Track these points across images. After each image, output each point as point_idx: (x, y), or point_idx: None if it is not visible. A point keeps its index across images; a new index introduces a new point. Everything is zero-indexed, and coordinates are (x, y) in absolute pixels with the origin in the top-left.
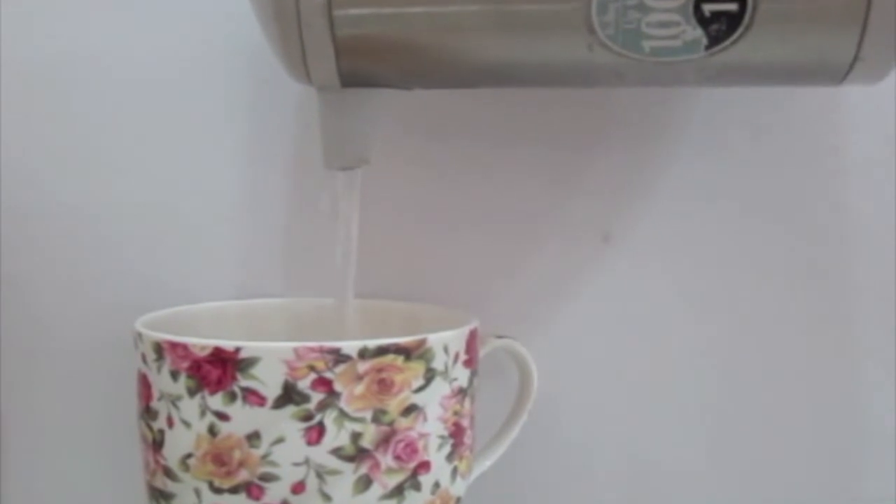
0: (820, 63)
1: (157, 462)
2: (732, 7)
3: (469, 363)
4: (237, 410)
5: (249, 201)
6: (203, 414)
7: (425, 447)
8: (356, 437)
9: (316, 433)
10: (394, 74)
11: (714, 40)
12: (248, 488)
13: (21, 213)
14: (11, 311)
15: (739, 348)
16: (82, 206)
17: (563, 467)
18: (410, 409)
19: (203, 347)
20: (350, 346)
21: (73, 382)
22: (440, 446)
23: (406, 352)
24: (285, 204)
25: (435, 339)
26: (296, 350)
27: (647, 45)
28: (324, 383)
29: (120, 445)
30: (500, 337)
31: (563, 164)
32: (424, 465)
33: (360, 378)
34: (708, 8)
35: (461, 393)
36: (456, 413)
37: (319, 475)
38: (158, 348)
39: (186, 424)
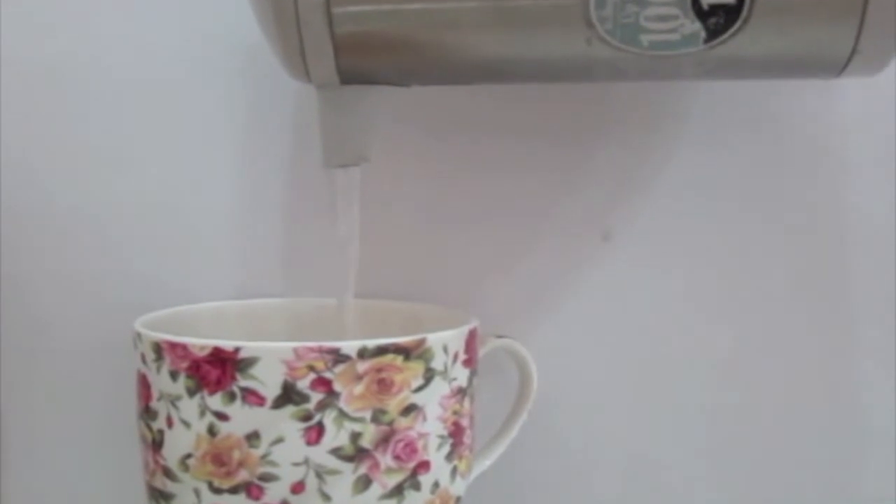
0: (818, 55)
1: (156, 462)
2: (730, 0)
3: (468, 363)
4: (236, 410)
5: (249, 201)
6: (202, 414)
7: (425, 447)
8: (356, 436)
9: (315, 433)
10: (393, 71)
11: (713, 34)
12: (248, 488)
13: (21, 213)
14: (11, 311)
15: (739, 347)
16: (82, 206)
17: (563, 467)
18: (410, 409)
19: (202, 347)
20: (349, 346)
21: (72, 382)
22: (440, 446)
23: (405, 351)
24: (285, 203)
25: (434, 339)
26: (295, 350)
27: (645, 39)
28: (323, 383)
29: (119, 445)
30: (499, 336)
31: (562, 161)
32: (424, 465)
33: (359, 378)
34: (706, 1)
35: (461, 392)
36: (455, 413)
37: (319, 475)
38: (158, 348)
39: (186, 424)
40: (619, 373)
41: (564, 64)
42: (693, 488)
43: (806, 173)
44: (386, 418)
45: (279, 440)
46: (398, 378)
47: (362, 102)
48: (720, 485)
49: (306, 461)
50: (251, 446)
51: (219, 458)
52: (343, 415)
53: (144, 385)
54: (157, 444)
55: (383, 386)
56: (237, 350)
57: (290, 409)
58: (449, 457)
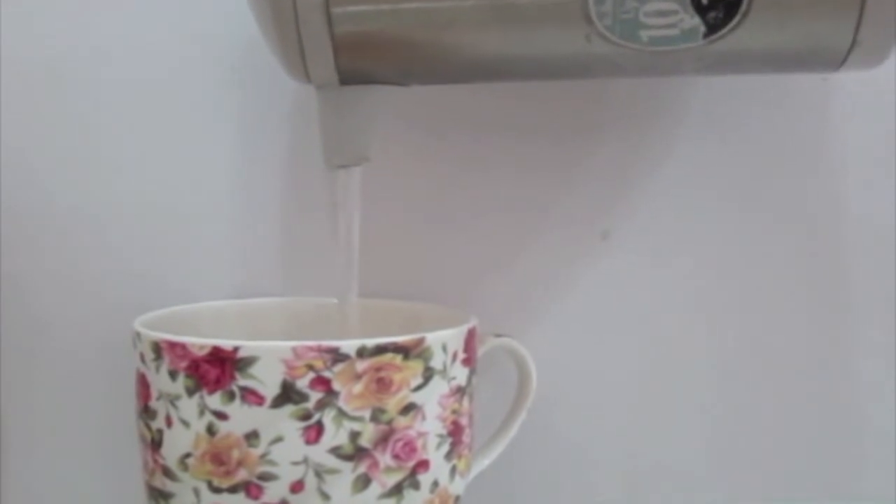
0: (818, 49)
1: (155, 461)
2: None
3: (467, 362)
4: (236, 410)
5: (249, 201)
6: (202, 413)
7: (424, 446)
8: (355, 436)
9: (314, 432)
10: (392, 71)
11: (712, 28)
12: (247, 487)
13: (21, 213)
14: (11, 311)
15: (738, 346)
16: (82, 206)
17: (562, 466)
18: (409, 408)
19: (201, 347)
20: (348, 345)
21: (72, 382)
22: (439, 445)
23: (404, 351)
24: (284, 203)
25: (433, 338)
26: (294, 349)
27: (644, 34)
28: (322, 382)
29: (119, 445)
30: (498, 336)
31: (561, 160)
32: (423, 464)
33: (358, 377)
34: None
35: (460, 392)
36: (454, 412)
37: (318, 474)
38: (157, 348)
39: (185, 424)
40: (618, 372)
41: (564, 61)
42: (692, 487)
43: (806, 171)
44: (385, 417)
45: (278, 439)
46: (397, 377)
47: (362, 102)
48: (720, 485)
49: (305, 460)
50: (250, 445)
51: (218, 458)
52: (342, 414)
53: (143, 384)
54: (156, 444)
55: (382, 385)
56: (236, 349)
57: (289, 409)
58: (448, 456)
